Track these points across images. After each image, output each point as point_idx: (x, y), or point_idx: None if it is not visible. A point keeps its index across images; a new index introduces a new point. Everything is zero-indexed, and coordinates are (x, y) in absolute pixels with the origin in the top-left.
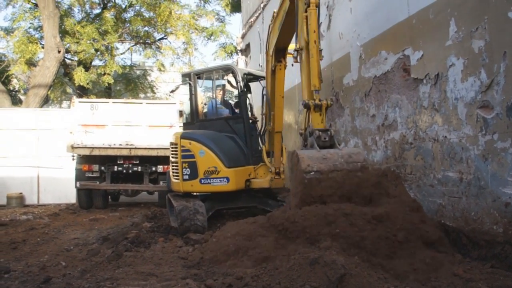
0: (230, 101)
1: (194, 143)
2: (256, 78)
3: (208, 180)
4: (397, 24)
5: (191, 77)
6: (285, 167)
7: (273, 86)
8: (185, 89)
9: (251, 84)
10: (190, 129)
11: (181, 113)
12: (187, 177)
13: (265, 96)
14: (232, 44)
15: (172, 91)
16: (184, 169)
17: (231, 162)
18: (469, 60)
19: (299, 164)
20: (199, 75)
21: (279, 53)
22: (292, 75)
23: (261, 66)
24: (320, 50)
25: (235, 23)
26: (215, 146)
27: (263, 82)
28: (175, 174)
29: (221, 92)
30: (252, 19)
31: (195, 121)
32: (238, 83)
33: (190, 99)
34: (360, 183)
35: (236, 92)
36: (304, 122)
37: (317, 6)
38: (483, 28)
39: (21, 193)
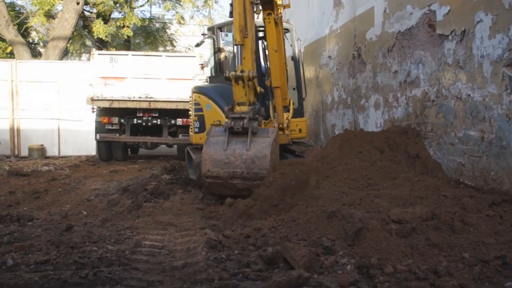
0: None
1: (202, 97)
2: None
3: None
4: None
5: (214, 31)
6: (289, 123)
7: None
8: (210, 43)
9: None
10: (214, 83)
11: (201, 66)
12: (197, 130)
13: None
14: None
15: (197, 45)
16: (195, 122)
17: None
18: (498, 16)
19: (201, 166)
20: (221, 28)
21: (266, 4)
22: (316, 28)
23: None
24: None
25: None
26: (221, 100)
27: None
28: (191, 127)
29: None
30: None
31: (218, 74)
32: None
33: (214, 53)
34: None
35: None
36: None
37: None
38: None
39: (42, 145)
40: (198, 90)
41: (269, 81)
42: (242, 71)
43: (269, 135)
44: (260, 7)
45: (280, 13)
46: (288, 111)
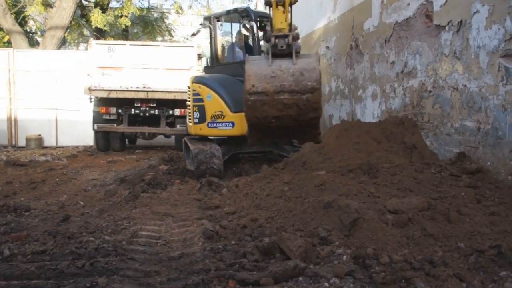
0: (250, 44)
1: (203, 87)
2: None
3: (215, 124)
4: None
5: (211, 21)
6: None
7: None
8: (206, 33)
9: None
10: (210, 73)
11: (199, 56)
12: (197, 120)
13: None
14: None
15: (193, 35)
16: (194, 113)
17: (237, 107)
18: (494, 7)
19: (244, 83)
20: (218, 18)
21: None
22: (313, 18)
23: None
24: None
25: None
26: (222, 90)
27: None
28: (189, 117)
29: (239, 36)
30: None
31: (214, 65)
32: (251, 26)
33: (210, 42)
34: (307, 106)
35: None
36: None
37: None
38: None
39: (39, 134)
40: (198, 81)
41: None
42: None
43: (312, 56)
44: None
45: None
46: None
